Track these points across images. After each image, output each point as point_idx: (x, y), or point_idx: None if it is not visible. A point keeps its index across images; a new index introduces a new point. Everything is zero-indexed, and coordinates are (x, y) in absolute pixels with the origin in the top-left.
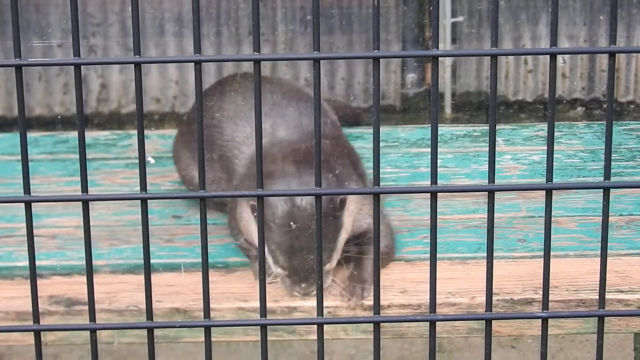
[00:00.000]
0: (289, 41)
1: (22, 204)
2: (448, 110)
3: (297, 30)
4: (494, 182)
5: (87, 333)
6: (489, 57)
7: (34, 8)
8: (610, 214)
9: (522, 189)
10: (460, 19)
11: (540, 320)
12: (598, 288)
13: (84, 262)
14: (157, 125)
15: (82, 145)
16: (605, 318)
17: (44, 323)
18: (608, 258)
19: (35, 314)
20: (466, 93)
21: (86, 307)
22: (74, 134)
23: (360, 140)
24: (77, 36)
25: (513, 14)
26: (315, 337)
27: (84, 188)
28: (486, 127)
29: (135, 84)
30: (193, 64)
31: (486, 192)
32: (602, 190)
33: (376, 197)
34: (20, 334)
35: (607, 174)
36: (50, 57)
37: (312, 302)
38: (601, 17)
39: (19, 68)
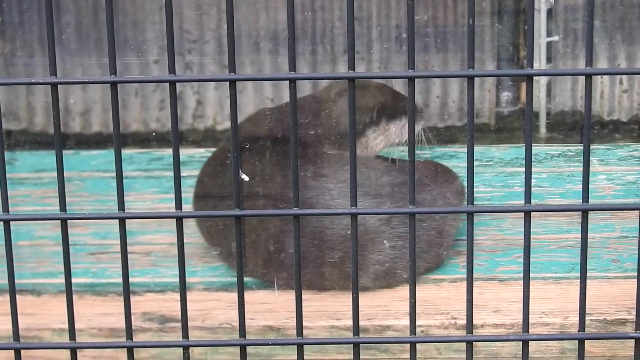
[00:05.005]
0: (384, 59)
1: (116, 221)
2: (542, 129)
3: (392, 49)
4: (588, 201)
5: (180, 350)
6: (584, 77)
7: (130, 24)
8: None
9: (617, 208)
10: (555, 38)
11: (634, 340)
12: None
13: (177, 279)
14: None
15: (177, 162)
16: None
17: (137, 340)
18: None
19: (129, 331)
20: (561, 112)
21: (179, 324)
22: (169, 151)
23: (455, 159)
24: (173, 53)
25: (608, 34)
26: (408, 355)
27: (178, 205)
28: (581, 147)
29: (170, 104)
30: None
31: (580, 212)
32: None
33: (470, 216)
34: (113, 350)
35: None
36: (146, 74)
37: (406, 321)
38: None
39: (114, 85)
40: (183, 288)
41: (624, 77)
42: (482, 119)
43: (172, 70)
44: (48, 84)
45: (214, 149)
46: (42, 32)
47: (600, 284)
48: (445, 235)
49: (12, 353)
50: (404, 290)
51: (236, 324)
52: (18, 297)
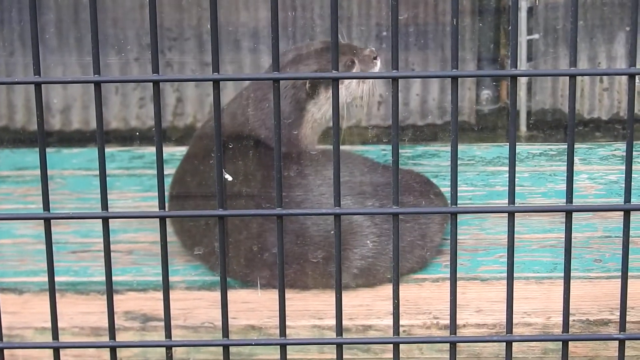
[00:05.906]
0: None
1: (99, 220)
2: (524, 128)
3: (374, 47)
4: (572, 202)
5: (163, 349)
6: (566, 76)
7: (110, 22)
8: None
9: (601, 209)
10: (536, 36)
11: (617, 341)
12: None
13: (159, 278)
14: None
15: (160, 161)
16: None
17: (119, 339)
18: None
19: (112, 330)
20: (542, 111)
21: (161, 323)
22: (150, 149)
23: (436, 158)
24: (156, 53)
25: (588, 33)
26: (390, 355)
27: (162, 205)
28: (562, 146)
29: (153, 103)
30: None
31: (564, 212)
32: None
33: (454, 216)
34: (95, 349)
35: None
36: (126, 72)
37: (388, 321)
38: None
39: (98, 85)
40: (166, 288)
41: (605, 75)
42: (462, 117)
43: (155, 69)
44: (32, 84)
45: None
46: (22, 31)
47: (583, 284)
48: (430, 238)
49: None
50: (385, 290)
51: (218, 323)
52: (0, 295)
